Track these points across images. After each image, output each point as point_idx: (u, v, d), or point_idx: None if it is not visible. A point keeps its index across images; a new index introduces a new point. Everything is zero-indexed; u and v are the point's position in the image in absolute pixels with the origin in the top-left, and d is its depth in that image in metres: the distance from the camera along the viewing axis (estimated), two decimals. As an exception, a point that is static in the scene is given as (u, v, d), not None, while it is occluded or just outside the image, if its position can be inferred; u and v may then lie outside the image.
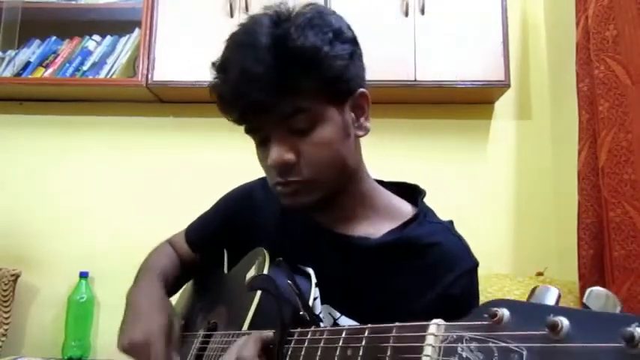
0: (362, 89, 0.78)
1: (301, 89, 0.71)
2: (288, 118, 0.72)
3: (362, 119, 0.79)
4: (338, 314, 0.79)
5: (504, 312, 0.38)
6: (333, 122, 0.75)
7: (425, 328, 0.45)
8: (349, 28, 0.78)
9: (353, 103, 0.78)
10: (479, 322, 0.40)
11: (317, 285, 0.80)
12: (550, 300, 0.39)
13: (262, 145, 0.78)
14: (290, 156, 0.73)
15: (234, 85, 0.74)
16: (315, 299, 0.79)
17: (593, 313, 0.36)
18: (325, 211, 0.83)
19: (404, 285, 0.76)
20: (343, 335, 0.54)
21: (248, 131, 0.79)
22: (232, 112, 0.77)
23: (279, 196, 0.78)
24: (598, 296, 0.37)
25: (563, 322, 0.34)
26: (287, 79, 0.70)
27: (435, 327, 0.44)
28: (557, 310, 0.36)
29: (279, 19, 0.73)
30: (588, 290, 0.37)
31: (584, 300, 0.37)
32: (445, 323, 0.44)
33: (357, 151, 0.81)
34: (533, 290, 0.40)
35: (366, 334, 0.51)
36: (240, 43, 0.75)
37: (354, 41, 0.78)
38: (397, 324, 0.49)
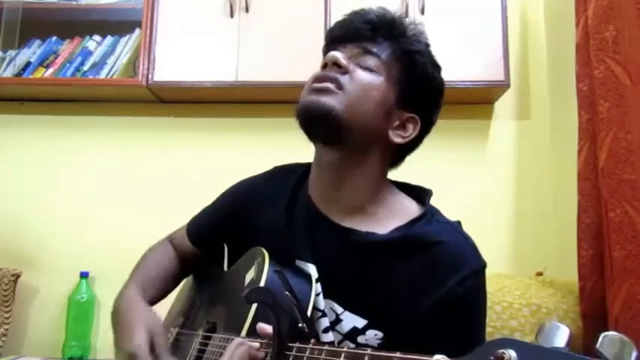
0: (417, 116, 0.85)
1: (391, 51, 0.82)
2: (367, 52, 0.82)
3: (400, 132, 0.84)
4: (340, 309, 0.79)
5: (512, 355, 0.36)
6: (386, 93, 0.82)
7: None
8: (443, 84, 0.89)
9: (404, 116, 0.84)
10: None
11: (318, 281, 0.80)
12: (560, 341, 0.37)
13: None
14: (345, 63, 0.81)
15: (356, 10, 0.87)
16: (317, 295, 0.79)
17: None
18: (333, 199, 0.84)
19: (409, 282, 0.76)
20: (342, 358, 0.53)
21: (330, 46, 0.86)
22: (340, 23, 0.87)
23: (305, 94, 0.82)
24: (612, 342, 0.35)
25: None
26: (391, 36, 0.83)
27: None
28: (569, 357, 0.34)
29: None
30: (602, 335, 0.35)
31: (598, 346, 0.35)
32: None
33: (384, 151, 0.85)
34: (541, 327, 0.38)
35: (365, 359, 0.50)
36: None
37: (442, 88, 0.88)
38: (398, 354, 0.47)
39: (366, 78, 0.81)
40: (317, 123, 0.80)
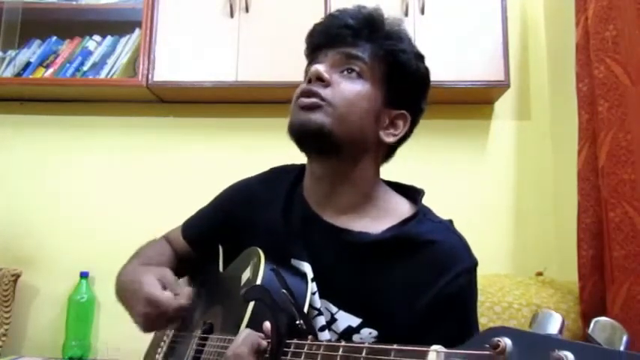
0: (406, 112, 0.85)
1: (374, 52, 0.81)
2: (350, 57, 0.81)
3: (391, 130, 0.84)
4: (335, 309, 0.80)
5: (507, 342, 0.37)
6: (373, 98, 0.82)
7: (424, 354, 0.44)
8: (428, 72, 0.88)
9: (393, 114, 0.84)
10: (480, 352, 0.39)
11: (313, 280, 0.80)
12: (553, 328, 0.38)
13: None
14: (328, 76, 0.80)
15: (332, 13, 0.86)
16: (313, 294, 0.79)
17: (600, 350, 0.35)
18: (328, 202, 0.85)
19: (402, 282, 0.77)
20: (340, 352, 0.54)
21: (312, 53, 0.86)
22: (319, 28, 0.86)
23: (295, 112, 0.81)
24: (604, 327, 0.36)
25: (569, 357, 0.33)
26: (372, 38, 0.82)
27: (435, 354, 0.43)
28: (562, 343, 0.35)
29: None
30: (593, 321, 0.36)
31: (590, 331, 0.36)
32: (445, 350, 0.43)
33: (377, 152, 0.86)
34: (535, 315, 0.39)
35: (363, 353, 0.51)
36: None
37: (428, 78, 0.88)
38: (395, 347, 0.48)
39: (352, 89, 0.80)
40: (310, 140, 0.81)
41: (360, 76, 0.81)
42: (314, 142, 0.81)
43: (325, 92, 0.79)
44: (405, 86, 0.84)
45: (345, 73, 0.81)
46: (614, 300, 1.20)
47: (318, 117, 0.78)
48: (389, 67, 0.83)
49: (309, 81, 0.81)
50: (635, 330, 1.15)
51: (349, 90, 0.80)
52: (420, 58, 0.87)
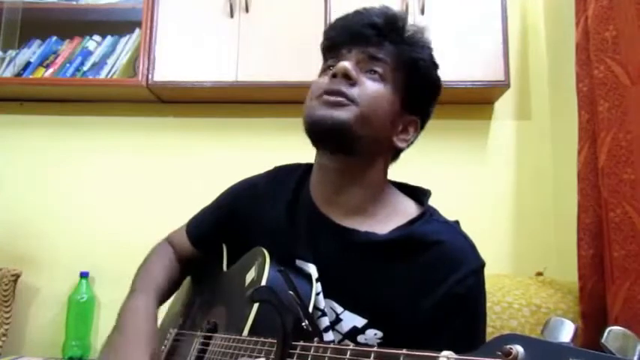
0: (417, 118, 0.86)
1: (397, 57, 0.81)
2: (375, 59, 0.81)
3: (403, 136, 0.85)
4: (340, 309, 0.79)
5: (519, 350, 0.37)
6: (393, 102, 0.82)
7: None
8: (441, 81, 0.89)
9: (407, 120, 0.85)
10: (492, 359, 0.38)
11: (318, 280, 0.80)
12: (566, 336, 0.37)
13: (326, 73, 0.84)
14: (354, 74, 0.79)
15: (358, 10, 0.85)
16: (317, 294, 0.79)
17: (614, 359, 0.34)
18: (336, 203, 0.84)
19: (409, 282, 0.77)
20: (348, 356, 0.53)
21: (333, 49, 0.85)
22: (341, 23, 0.85)
23: (315, 106, 0.80)
24: (616, 336, 0.36)
25: None
26: (396, 41, 0.82)
27: None
28: (576, 352, 0.35)
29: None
30: (607, 330, 0.36)
31: (603, 340, 0.36)
32: (455, 356, 0.42)
33: (387, 156, 0.87)
34: (547, 322, 0.39)
35: (371, 357, 0.50)
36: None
37: (441, 87, 0.88)
38: (404, 351, 0.47)
39: (375, 89, 0.80)
40: (330, 136, 0.80)
41: (382, 78, 0.81)
42: (333, 139, 0.80)
43: (351, 91, 0.79)
44: (422, 94, 0.85)
45: (369, 74, 0.81)
46: (614, 300, 1.20)
47: (341, 113, 0.78)
48: (409, 74, 0.83)
49: (334, 75, 0.80)
50: (635, 330, 1.15)
51: (375, 90, 0.80)
52: (436, 66, 0.87)
